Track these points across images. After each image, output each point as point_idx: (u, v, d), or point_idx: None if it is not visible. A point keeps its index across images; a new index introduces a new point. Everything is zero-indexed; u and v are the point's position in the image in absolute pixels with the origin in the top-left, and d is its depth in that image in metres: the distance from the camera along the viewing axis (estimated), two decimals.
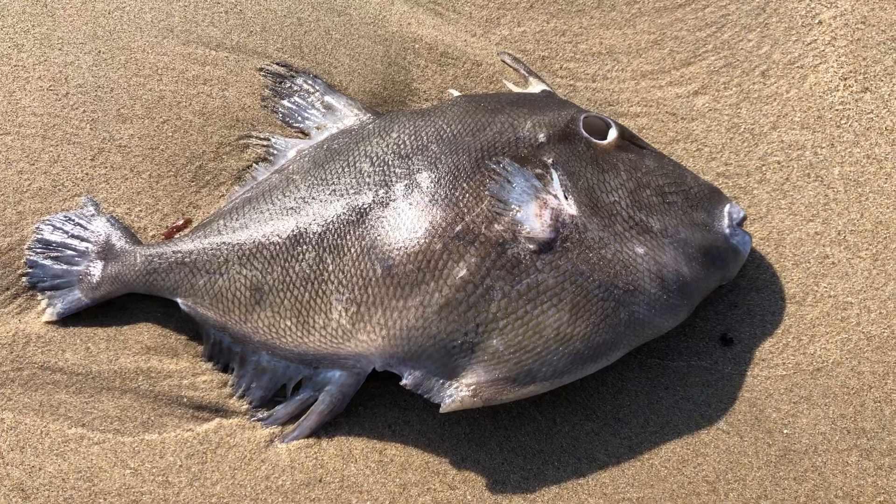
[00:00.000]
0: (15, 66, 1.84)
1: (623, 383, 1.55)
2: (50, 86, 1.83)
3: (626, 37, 1.93)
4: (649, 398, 1.54)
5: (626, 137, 1.57)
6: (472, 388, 1.39)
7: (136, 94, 1.83)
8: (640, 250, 1.43)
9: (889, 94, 1.78)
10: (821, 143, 1.76)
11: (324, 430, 1.51)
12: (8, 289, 1.64)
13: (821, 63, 1.84)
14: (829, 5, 1.89)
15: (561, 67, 1.91)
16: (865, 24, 1.85)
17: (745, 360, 1.56)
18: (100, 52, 1.86)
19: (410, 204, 1.46)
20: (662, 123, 1.82)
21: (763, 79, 1.84)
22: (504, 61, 1.85)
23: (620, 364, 1.53)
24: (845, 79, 1.81)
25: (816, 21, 1.88)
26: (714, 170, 1.75)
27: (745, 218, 1.53)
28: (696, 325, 1.59)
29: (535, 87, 1.73)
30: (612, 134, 1.55)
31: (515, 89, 1.77)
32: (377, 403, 1.54)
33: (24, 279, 1.65)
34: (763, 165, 1.75)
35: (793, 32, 1.88)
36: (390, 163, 1.52)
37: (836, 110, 1.79)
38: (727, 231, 1.51)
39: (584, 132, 1.53)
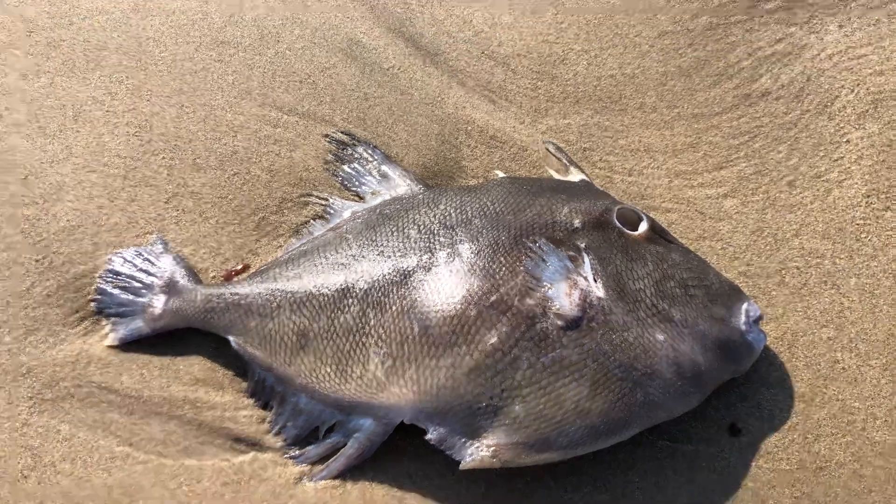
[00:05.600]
0: (107, 111, 1.98)
1: (634, 461, 1.58)
2: (135, 132, 1.95)
3: (664, 138, 2.02)
4: (657, 477, 1.57)
5: (656, 231, 1.63)
6: (492, 449, 1.43)
7: (212, 147, 1.94)
8: (661, 337, 1.48)
9: None
10: (840, 253, 1.82)
11: (350, 473, 1.55)
12: (77, 311, 1.73)
13: (846, 179, 1.91)
14: (857, 126, 1.97)
15: (600, 159, 2.00)
16: (891, 148, 1.93)
17: (751, 451, 1.59)
18: (183, 106, 2.00)
19: (451, 271, 1.53)
20: (691, 220, 1.89)
21: (789, 188, 1.92)
22: (548, 150, 1.93)
23: (632, 442, 1.55)
24: (868, 196, 1.88)
25: (845, 140, 1.97)
26: (736, 269, 1.81)
27: (761, 317, 1.57)
28: (707, 413, 1.62)
29: (575, 175, 1.81)
30: (643, 226, 1.61)
31: (556, 176, 1.85)
32: (402, 454, 1.58)
33: (92, 304, 1.74)
34: (783, 269, 1.81)
35: (821, 148, 1.96)
36: (436, 232, 1.59)
37: (857, 224, 1.85)
38: (743, 327, 1.55)
39: (617, 222, 1.60)
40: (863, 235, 1.85)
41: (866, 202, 1.89)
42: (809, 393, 1.66)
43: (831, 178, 1.93)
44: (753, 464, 1.60)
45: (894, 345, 1.71)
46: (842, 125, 1.99)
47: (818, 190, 1.92)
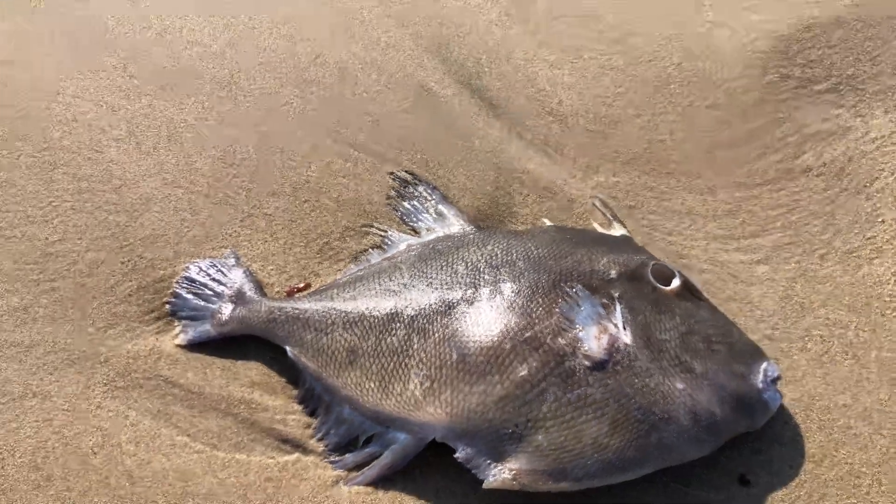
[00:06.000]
0: (196, 133, 2.16)
1: (645, 498, 1.62)
2: (220, 155, 2.13)
3: (706, 203, 2.11)
4: None
5: (688, 288, 1.68)
6: (513, 472, 1.49)
7: (287, 175, 2.09)
8: (680, 385, 1.53)
9: None
10: (864, 326, 1.85)
11: (382, 482, 1.62)
12: (153, 311, 1.88)
13: (877, 257, 1.96)
14: (893, 208, 2.03)
15: (643, 217, 2.09)
16: None
17: (758, 503, 1.62)
18: (265, 135, 2.16)
19: (491, 306, 1.61)
20: (723, 282, 1.96)
21: (821, 261, 1.98)
22: (594, 204, 2.02)
23: (646, 481, 1.57)
24: None
25: (879, 220, 2.03)
26: (761, 331, 1.86)
27: (779, 378, 1.61)
28: (719, 462, 1.64)
29: (617, 230, 1.87)
30: (676, 283, 1.67)
31: (600, 229, 1.91)
32: (431, 469, 1.63)
33: (167, 306, 1.88)
34: (807, 336, 1.85)
35: (856, 225, 2.03)
36: (481, 269, 1.67)
37: (884, 301, 1.89)
38: (760, 385, 1.58)
39: (651, 277, 1.66)
40: (888, 311, 1.89)
41: (895, 280, 1.94)
42: (820, 454, 1.69)
43: (863, 254, 1.98)
44: None
45: None
46: (878, 206, 2.06)
47: (849, 265, 1.97)
